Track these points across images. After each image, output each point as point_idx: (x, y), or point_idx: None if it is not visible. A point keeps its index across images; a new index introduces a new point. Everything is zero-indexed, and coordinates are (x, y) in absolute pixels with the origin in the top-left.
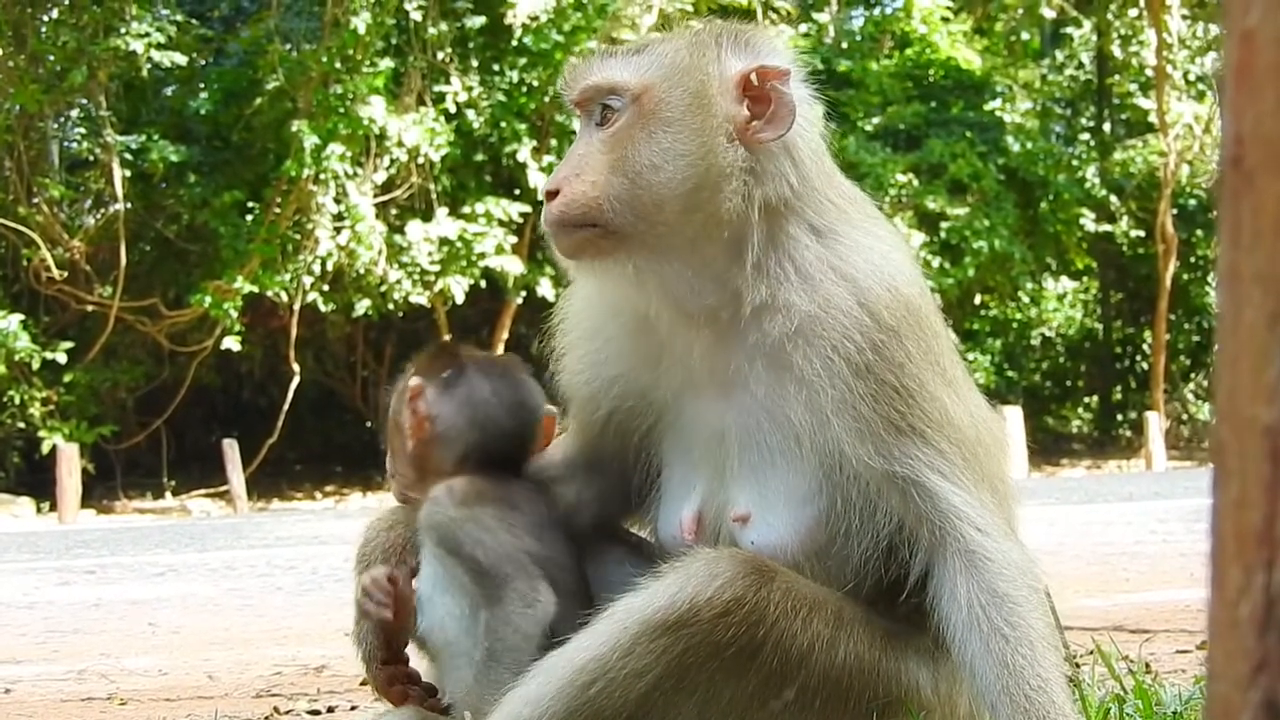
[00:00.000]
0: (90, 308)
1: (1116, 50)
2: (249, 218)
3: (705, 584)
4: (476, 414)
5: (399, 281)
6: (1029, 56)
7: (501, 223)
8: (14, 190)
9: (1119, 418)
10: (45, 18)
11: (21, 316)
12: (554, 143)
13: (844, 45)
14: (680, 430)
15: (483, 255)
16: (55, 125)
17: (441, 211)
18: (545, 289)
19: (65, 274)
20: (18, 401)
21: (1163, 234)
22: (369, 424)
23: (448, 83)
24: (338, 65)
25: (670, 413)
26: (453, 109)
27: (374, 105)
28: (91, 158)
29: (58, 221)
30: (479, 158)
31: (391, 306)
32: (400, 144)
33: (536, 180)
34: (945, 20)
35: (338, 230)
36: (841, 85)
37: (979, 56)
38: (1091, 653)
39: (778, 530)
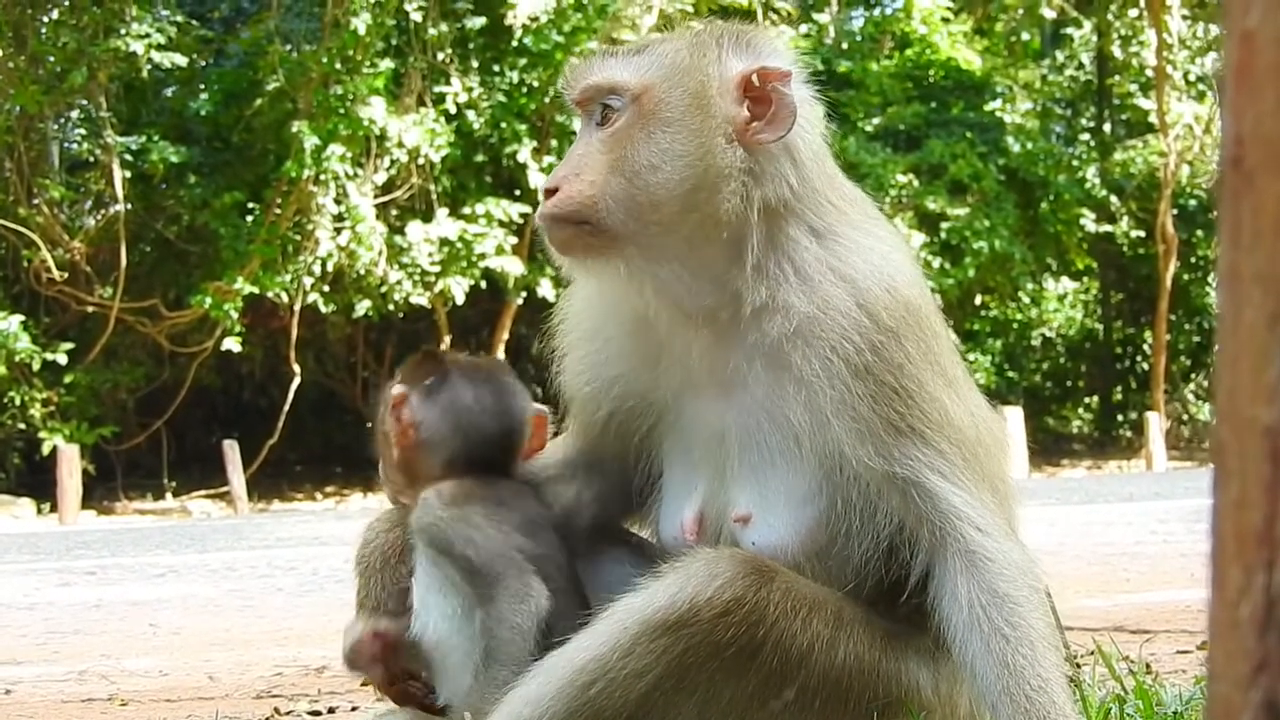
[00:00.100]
0: (90, 309)
1: (1117, 50)
2: (249, 219)
3: (705, 584)
4: (460, 419)
5: (399, 282)
6: (1029, 57)
7: (502, 223)
8: (14, 191)
9: (1119, 418)
10: (45, 19)
11: (22, 317)
12: (554, 143)
13: (844, 46)
14: (681, 430)
15: (483, 256)
16: (55, 126)
17: (442, 212)
18: (546, 290)
19: (65, 275)
20: (18, 402)
21: (1163, 234)
22: (369, 425)
23: (448, 83)
24: (338, 66)
25: (670, 413)
26: (453, 110)
27: (374, 106)
28: (92, 159)
29: (58, 222)
30: (479, 158)
31: (392, 307)
32: (400, 145)
33: (537, 181)
34: (945, 21)
35: (338, 231)
36: (842, 86)
37: (979, 57)
38: (1092, 653)
39: (778, 531)
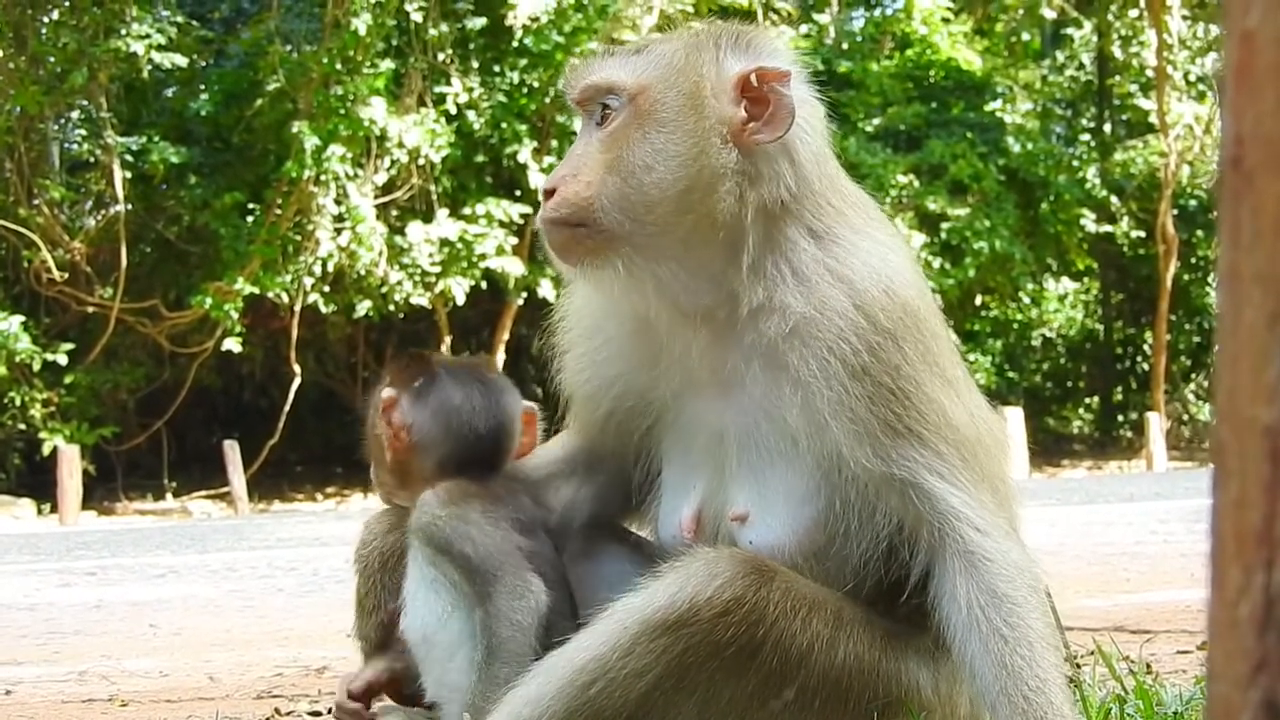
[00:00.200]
0: (91, 309)
1: (1117, 51)
2: (250, 219)
3: (705, 583)
4: (452, 420)
5: (400, 283)
6: (1029, 57)
7: (502, 224)
8: (15, 192)
9: (1120, 418)
10: (46, 19)
11: (22, 318)
12: (555, 144)
13: (844, 46)
14: (680, 429)
15: (483, 256)
16: (56, 127)
17: (442, 213)
18: (546, 290)
19: (66, 275)
20: (18, 403)
21: (1163, 234)
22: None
23: (448, 84)
24: (338, 66)
25: (670, 412)
26: (453, 110)
27: (375, 106)
28: (92, 159)
29: (58, 223)
30: (480, 159)
31: (392, 308)
32: (401, 145)
33: (537, 181)
34: (946, 21)
35: (338, 231)
36: (842, 86)
37: (979, 57)
38: (1092, 653)
39: (776, 530)
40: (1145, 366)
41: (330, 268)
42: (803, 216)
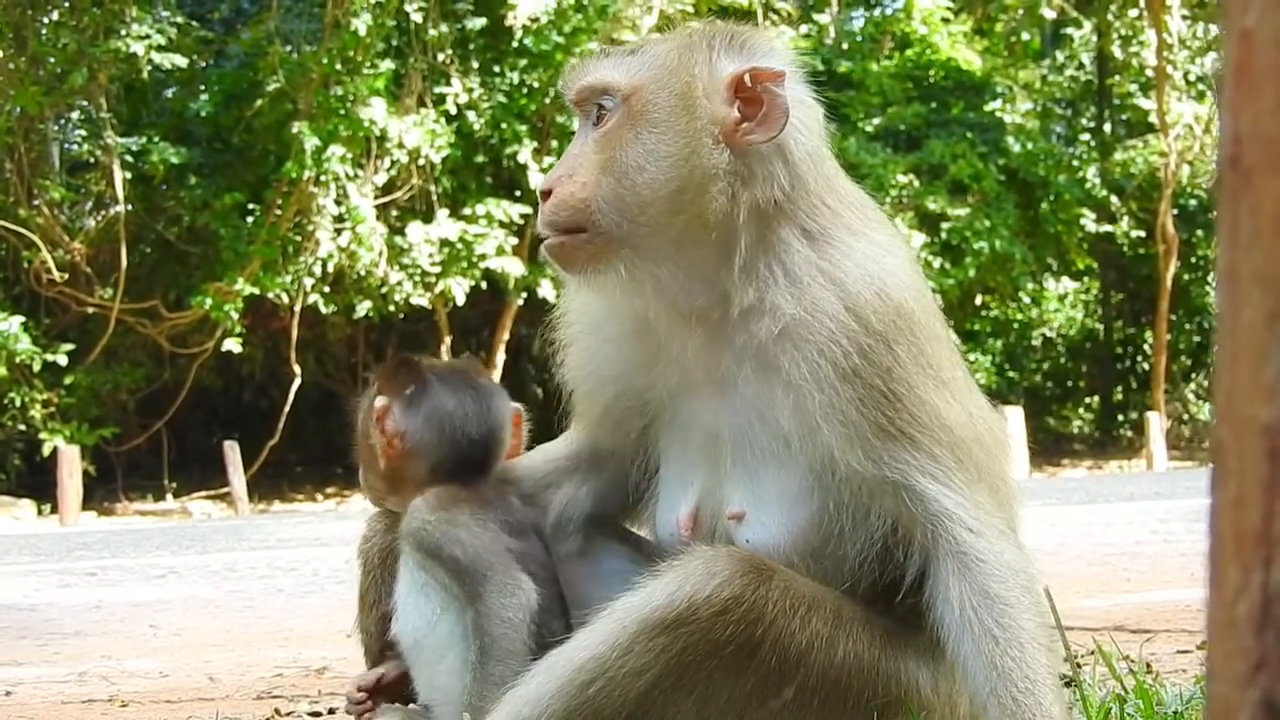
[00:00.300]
0: (91, 310)
1: (1117, 51)
2: (250, 219)
3: (704, 582)
4: (444, 428)
5: (400, 283)
6: (1029, 57)
7: (502, 224)
8: (15, 192)
9: (1120, 418)
10: (45, 20)
11: (22, 318)
12: (554, 144)
13: (844, 46)
14: (677, 428)
15: (483, 257)
16: (56, 127)
17: (442, 213)
18: (546, 290)
19: (66, 276)
20: (19, 404)
21: (1163, 234)
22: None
23: (448, 84)
24: (338, 67)
25: (667, 411)
26: (453, 110)
27: (374, 107)
28: (92, 160)
29: (58, 223)
30: (479, 159)
31: (392, 308)
32: (401, 145)
33: (537, 181)
34: (945, 21)
35: (338, 232)
36: (842, 86)
37: (979, 57)
38: (1092, 653)
39: (771, 529)
40: (1145, 366)
41: (330, 268)
42: (797, 217)
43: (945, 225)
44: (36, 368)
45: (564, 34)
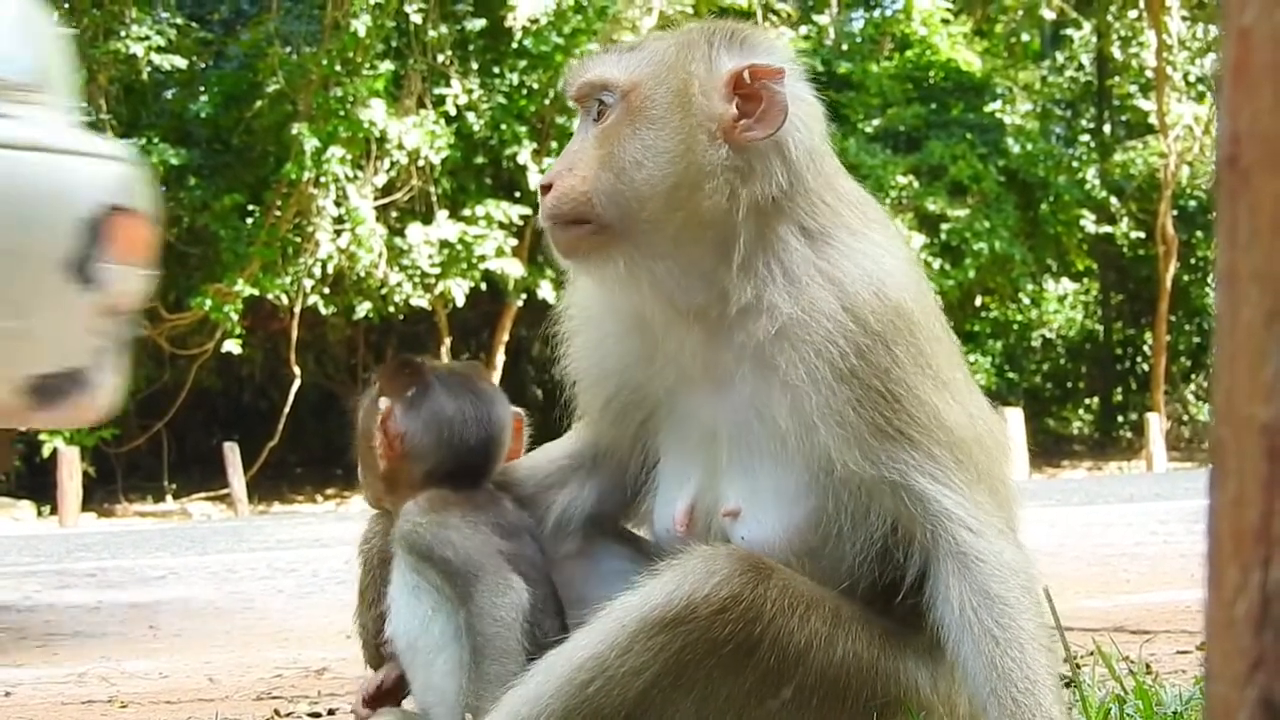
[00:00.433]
0: None
1: (1116, 52)
2: (249, 221)
3: (702, 581)
4: (444, 431)
5: (399, 284)
6: (1029, 58)
7: (502, 225)
8: None
9: (1119, 419)
10: None
11: None
12: (554, 145)
13: (844, 47)
14: (675, 424)
15: (483, 258)
16: None
17: (442, 214)
18: (546, 291)
19: None
20: None
21: (1163, 235)
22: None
23: (448, 85)
24: (338, 68)
25: (665, 407)
26: (453, 111)
27: (374, 108)
28: None
29: None
30: (479, 160)
31: (392, 309)
32: (400, 147)
33: (537, 182)
34: (945, 22)
35: (338, 233)
36: (842, 87)
37: (979, 58)
38: (1092, 653)
39: (767, 527)
40: (1145, 367)
41: (330, 269)
42: (796, 215)
43: (945, 226)
44: None
45: (563, 35)
